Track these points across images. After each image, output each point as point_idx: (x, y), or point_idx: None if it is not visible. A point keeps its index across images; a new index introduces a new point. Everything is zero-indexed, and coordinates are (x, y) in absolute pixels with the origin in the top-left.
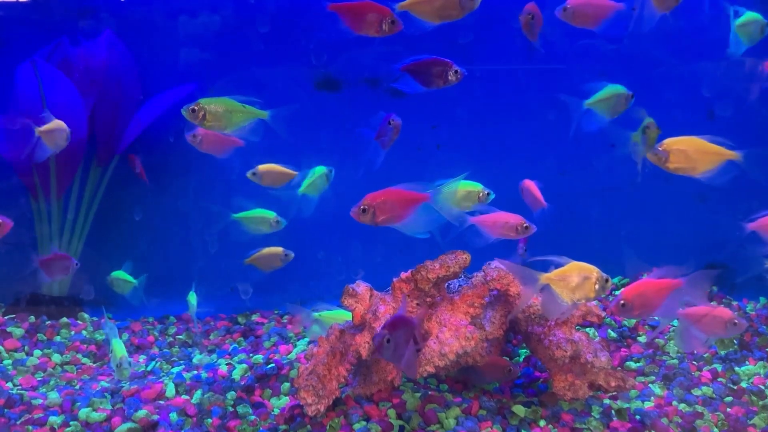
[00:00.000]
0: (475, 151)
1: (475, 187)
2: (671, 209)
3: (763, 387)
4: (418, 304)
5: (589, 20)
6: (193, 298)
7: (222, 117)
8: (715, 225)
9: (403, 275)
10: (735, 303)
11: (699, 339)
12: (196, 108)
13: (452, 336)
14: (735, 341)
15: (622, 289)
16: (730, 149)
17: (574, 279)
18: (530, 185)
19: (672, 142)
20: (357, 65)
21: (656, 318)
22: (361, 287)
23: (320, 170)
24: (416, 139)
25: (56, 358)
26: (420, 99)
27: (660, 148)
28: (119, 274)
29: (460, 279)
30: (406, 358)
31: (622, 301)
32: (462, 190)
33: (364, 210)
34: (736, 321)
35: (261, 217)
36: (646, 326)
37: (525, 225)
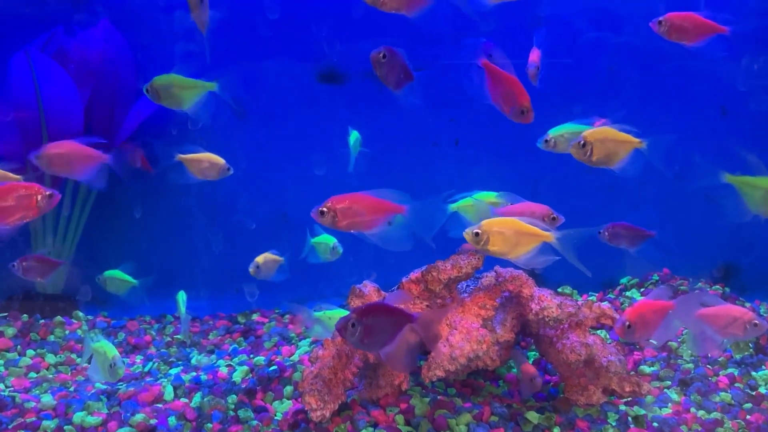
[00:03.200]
0: (495, 145)
1: (495, 199)
2: (681, 208)
3: None
4: (428, 306)
5: None
6: (181, 298)
7: (173, 94)
8: (727, 225)
9: (413, 275)
10: (748, 305)
11: (714, 341)
12: (149, 88)
13: (463, 339)
14: (750, 345)
15: (626, 310)
16: (636, 137)
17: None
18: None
19: (591, 134)
20: (360, 59)
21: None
22: (369, 288)
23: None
24: (433, 134)
25: (50, 358)
26: (436, 92)
27: (583, 142)
28: (115, 274)
29: (469, 280)
30: (386, 350)
31: (627, 323)
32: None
33: (322, 212)
34: (756, 322)
35: (325, 243)
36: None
37: (552, 216)
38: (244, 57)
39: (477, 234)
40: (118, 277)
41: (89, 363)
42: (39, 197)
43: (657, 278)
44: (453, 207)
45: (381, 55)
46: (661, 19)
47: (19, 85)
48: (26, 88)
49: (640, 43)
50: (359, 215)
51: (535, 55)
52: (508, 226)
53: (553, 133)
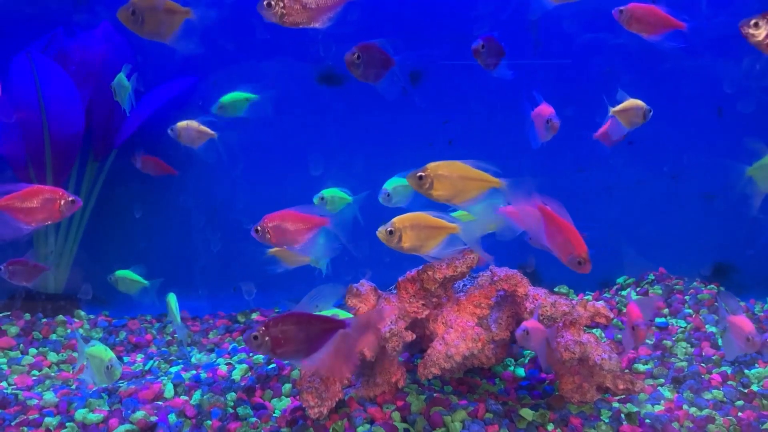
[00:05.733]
0: (488, 146)
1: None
2: (678, 208)
3: None
4: (424, 305)
5: None
6: (173, 300)
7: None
8: (723, 224)
9: (409, 274)
10: (743, 304)
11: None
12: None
13: (459, 337)
14: None
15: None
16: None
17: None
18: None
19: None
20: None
21: (664, 319)
22: (365, 287)
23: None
24: (428, 135)
25: (52, 356)
26: (431, 93)
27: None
28: (127, 274)
29: (465, 278)
30: (313, 358)
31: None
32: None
33: (257, 230)
34: (749, 337)
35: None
36: (654, 327)
37: None
38: (243, 58)
39: (391, 232)
40: (129, 277)
41: (85, 363)
42: (62, 202)
43: (653, 278)
44: (457, 214)
45: (355, 56)
46: (622, 8)
47: (20, 87)
48: (28, 89)
49: (637, 44)
50: (288, 232)
51: (549, 109)
52: (417, 221)
53: (389, 186)
